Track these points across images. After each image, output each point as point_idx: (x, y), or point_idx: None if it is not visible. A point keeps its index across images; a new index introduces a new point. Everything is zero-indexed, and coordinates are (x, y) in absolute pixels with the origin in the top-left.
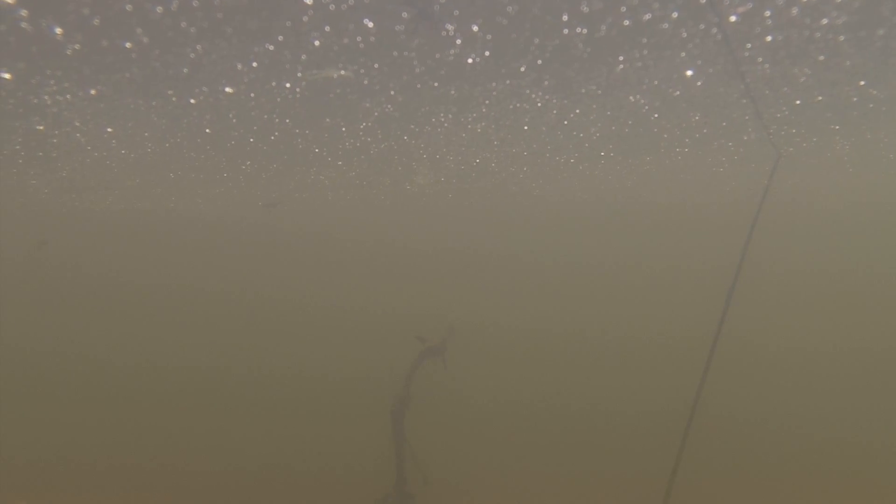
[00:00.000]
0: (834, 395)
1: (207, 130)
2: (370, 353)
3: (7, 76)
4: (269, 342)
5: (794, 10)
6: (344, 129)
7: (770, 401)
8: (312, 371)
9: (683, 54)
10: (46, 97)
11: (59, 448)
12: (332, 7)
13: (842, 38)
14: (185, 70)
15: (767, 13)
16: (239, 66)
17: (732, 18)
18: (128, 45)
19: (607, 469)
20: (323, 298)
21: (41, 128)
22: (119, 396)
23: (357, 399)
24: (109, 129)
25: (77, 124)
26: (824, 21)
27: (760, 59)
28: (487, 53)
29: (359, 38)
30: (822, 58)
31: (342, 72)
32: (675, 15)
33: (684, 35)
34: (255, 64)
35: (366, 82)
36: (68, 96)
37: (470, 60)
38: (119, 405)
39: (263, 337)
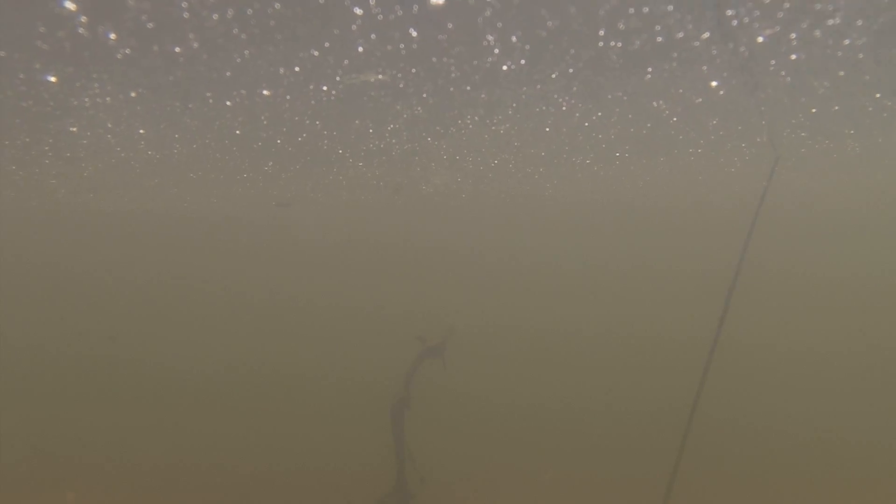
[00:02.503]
0: (835, 396)
1: (237, 132)
2: (371, 354)
3: (53, 79)
4: (270, 341)
5: (818, 33)
6: (371, 130)
7: (770, 401)
8: (313, 371)
9: (710, 68)
10: (87, 99)
11: (64, 447)
12: (380, 17)
13: (861, 55)
14: (228, 73)
15: (793, 35)
16: (281, 70)
17: (760, 39)
18: (177, 49)
19: (607, 469)
20: (325, 298)
21: (74, 129)
22: (121, 397)
23: (357, 399)
24: (141, 131)
25: (109, 125)
26: (846, 42)
27: (783, 73)
28: (523, 62)
29: (402, 46)
30: (841, 73)
31: (380, 76)
32: (705, 35)
33: (714, 52)
34: (297, 68)
35: (401, 86)
36: (108, 99)
37: (505, 67)
38: (122, 405)
39: (265, 335)
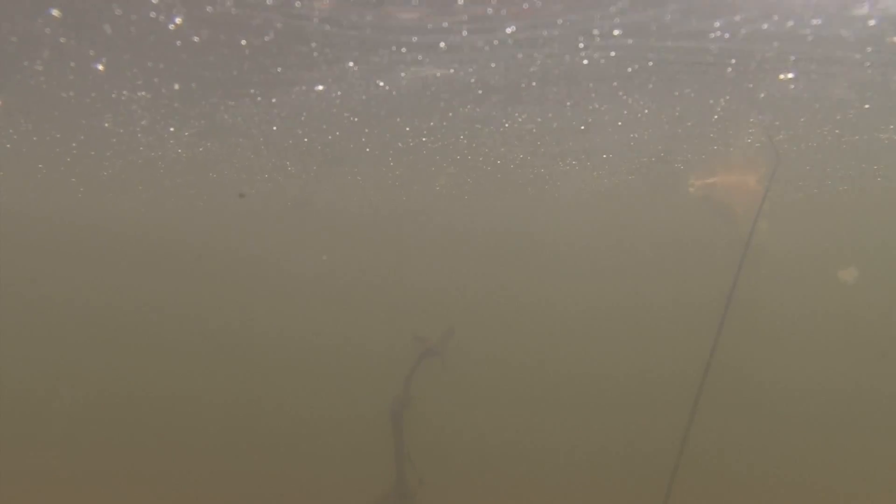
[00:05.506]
0: (835, 395)
1: (274, 128)
2: (371, 353)
3: (101, 67)
4: (270, 339)
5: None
6: (407, 128)
7: (770, 401)
8: (312, 370)
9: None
10: (126, 92)
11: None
12: (488, 10)
13: None
14: (279, 69)
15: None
16: (350, 65)
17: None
18: (243, 42)
19: (607, 470)
20: (326, 297)
21: (107, 125)
22: (122, 397)
23: (357, 399)
24: (171, 129)
25: (143, 123)
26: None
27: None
28: (613, 53)
29: (495, 41)
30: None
31: (449, 71)
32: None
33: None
34: (354, 66)
35: (455, 83)
36: (145, 93)
37: (587, 62)
38: (122, 405)
39: (265, 333)
